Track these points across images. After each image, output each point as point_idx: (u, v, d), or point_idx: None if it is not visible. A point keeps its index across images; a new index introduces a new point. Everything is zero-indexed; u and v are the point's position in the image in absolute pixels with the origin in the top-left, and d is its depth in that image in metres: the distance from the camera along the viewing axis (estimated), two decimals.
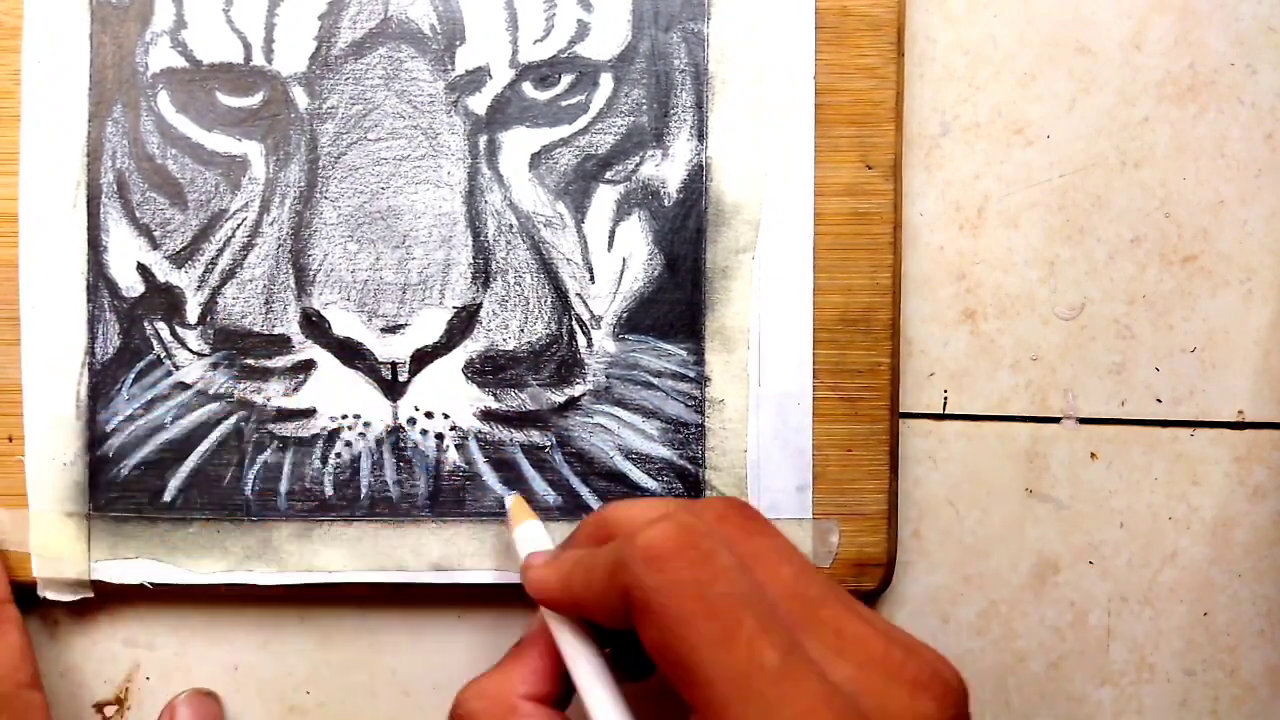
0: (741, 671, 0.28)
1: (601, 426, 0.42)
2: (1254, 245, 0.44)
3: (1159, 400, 0.45)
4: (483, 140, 0.42)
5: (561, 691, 0.35)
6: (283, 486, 0.42)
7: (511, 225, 0.42)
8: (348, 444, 0.42)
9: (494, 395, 0.42)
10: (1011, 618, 0.45)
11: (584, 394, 0.42)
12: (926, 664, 0.30)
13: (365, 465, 0.42)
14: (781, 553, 0.32)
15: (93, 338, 0.42)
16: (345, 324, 0.42)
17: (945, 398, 0.45)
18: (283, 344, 0.42)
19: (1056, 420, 0.45)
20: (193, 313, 0.42)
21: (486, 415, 0.42)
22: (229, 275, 0.42)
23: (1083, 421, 0.45)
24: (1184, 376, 0.45)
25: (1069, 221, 0.44)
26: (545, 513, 0.42)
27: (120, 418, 0.42)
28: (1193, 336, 0.44)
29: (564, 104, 0.42)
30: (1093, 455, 0.45)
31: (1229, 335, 0.44)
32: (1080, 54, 0.44)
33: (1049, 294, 0.44)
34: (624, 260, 0.42)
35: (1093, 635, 0.45)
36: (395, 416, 0.42)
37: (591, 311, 0.42)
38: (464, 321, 0.42)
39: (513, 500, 0.42)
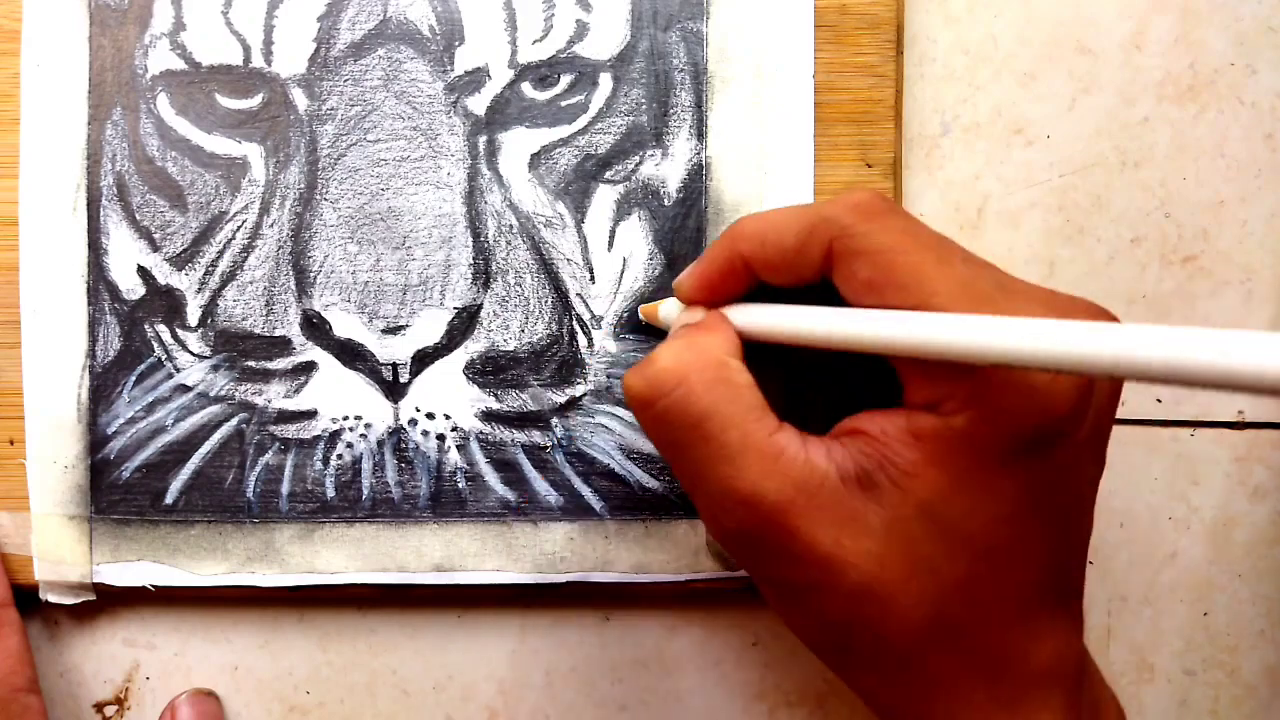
0: (965, 283, 0.31)
1: (603, 426, 0.42)
2: (1254, 245, 0.44)
3: (1159, 400, 0.45)
4: (482, 141, 0.42)
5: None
6: (284, 488, 0.42)
7: (512, 226, 0.42)
8: (349, 445, 0.42)
9: (495, 396, 0.42)
10: None
11: (585, 394, 0.42)
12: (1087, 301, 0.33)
13: (366, 466, 0.42)
14: (918, 226, 0.34)
15: (93, 340, 0.42)
16: (346, 325, 0.42)
17: None
18: (283, 346, 0.42)
19: None
20: (193, 315, 0.42)
21: (488, 416, 0.42)
22: (229, 277, 0.42)
23: None
24: None
25: (1069, 221, 0.44)
26: (546, 513, 0.42)
27: (121, 420, 0.42)
28: None
29: (563, 104, 0.42)
30: None
31: None
32: (1080, 54, 0.44)
33: None
34: (624, 260, 0.42)
35: (1093, 635, 0.45)
36: (396, 417, 0.42)
37: (592, 311, 0.42)
38: (464, 322, 0.42)
39: (643, 309, 0.42)
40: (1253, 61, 0.44)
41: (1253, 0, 0.44)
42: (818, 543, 0.31)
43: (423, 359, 0.42)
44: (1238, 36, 0.44)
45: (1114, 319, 0.32)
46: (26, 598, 0.43)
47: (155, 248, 0.42)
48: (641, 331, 0.42)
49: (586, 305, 0.42)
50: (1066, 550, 0.33)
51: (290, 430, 0.42)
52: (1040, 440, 0.30)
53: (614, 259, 0.42)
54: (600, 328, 0.42)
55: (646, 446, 0.42)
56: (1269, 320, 0.44)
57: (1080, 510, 0.34)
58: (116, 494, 0.42)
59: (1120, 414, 0.44)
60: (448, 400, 0.42)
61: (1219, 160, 0.44)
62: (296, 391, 0.42)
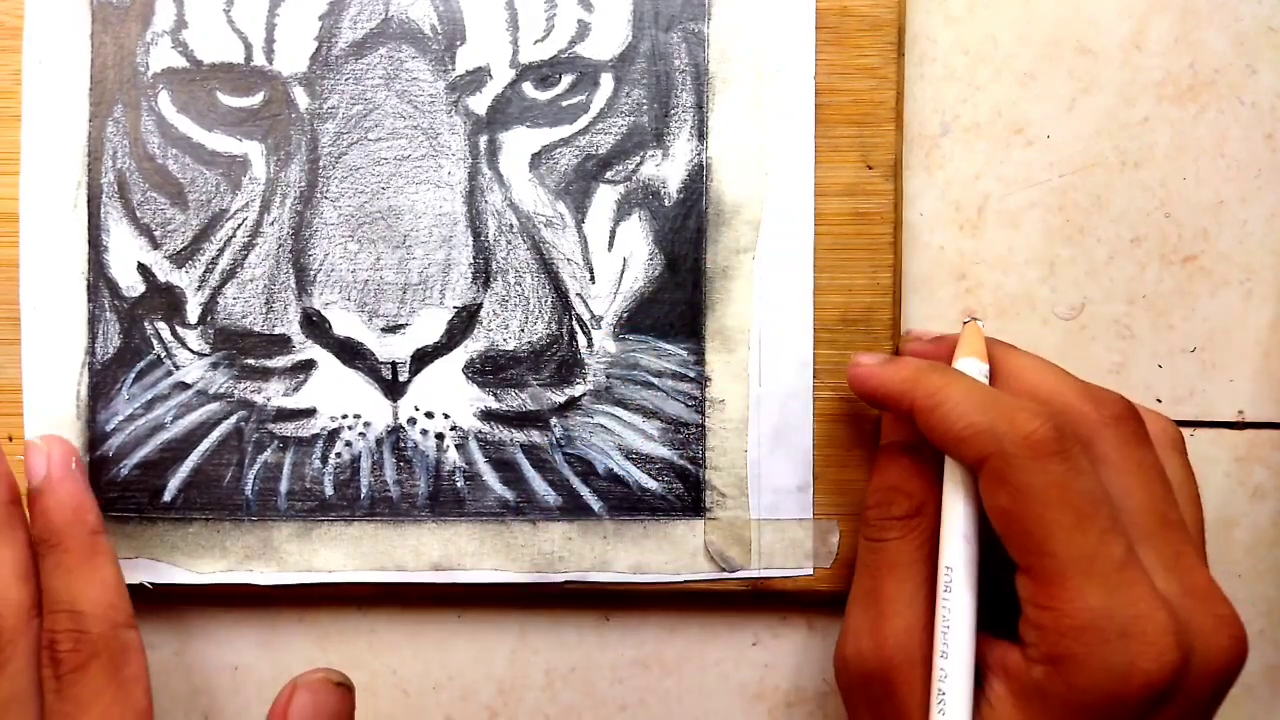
0: (1089, 555, 0.33)
1: (602, 426, 0.42)
2: (1254, 245, 0.44)
3: (1159, 400, 0.45)
4: (483, 140, 0.42)
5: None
6: (283, 486, 0.42)
7: (512, 225, 0.42)
8: (348, 444, 0.42)
9: (494, 395, 0.42)
10: None
11: (584, 394, 0.42)
12: (1232, 609, 0.35)
13: (365, 465, 0.42)
14: (1154, 471, 0.36)
15: (93, 337, 0.42)
16: (345, 324, 0.42)
17: None
18: (283, 344, 0.42)
19: None
20: (193, 313, 0.42)
21: (487, 415, 0.42)
22: (229, 275, 0.42)
23: None
24: (1184, 376, 0.45)
25: (1069, 221, 0.44)
26: (545, 512, 0.42)
27: (120, 417, 0.42)
28: (1193, 336, 0.44)
29: (564, 104, 0.42)
30: None
31: (1229, 335, 0.44)
32: (1080, 54, 0.44)
33: (1049, 294, 0.44)
34: (624, 260, 0.42)
35: None
36: (395, 416, 0.42)
37: (592, 311, 0.42)
38: (464, 321, 0.42)
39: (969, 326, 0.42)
40: (1253, 61, 0.44)
41: (1253, 0, 0.44)
42: None
43: (422, 358, 0.42)
44: (1238, 36, 0.44)
45: (1237, 630, 0.35)
46: None
47: (155, 245, 0.42)
48: (641, 332, 0.42)
49: (586, 305, 0.42)
50: None
51: (289, 428, 0.42)
52: (1116, 714, 0.33)
53: (614, 259, 0.42)
54: (600, 328, 0.42)
55: (645, 447, 0.42)
56: (1269, 320, 0.44)
57: None
58: (115, 491, 0.42)
59: None
60: (447, 399, 0.42)
61: (1219, 160, 0.44)
62: (295, 390, 0.42)
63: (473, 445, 0.42)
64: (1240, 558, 0.45)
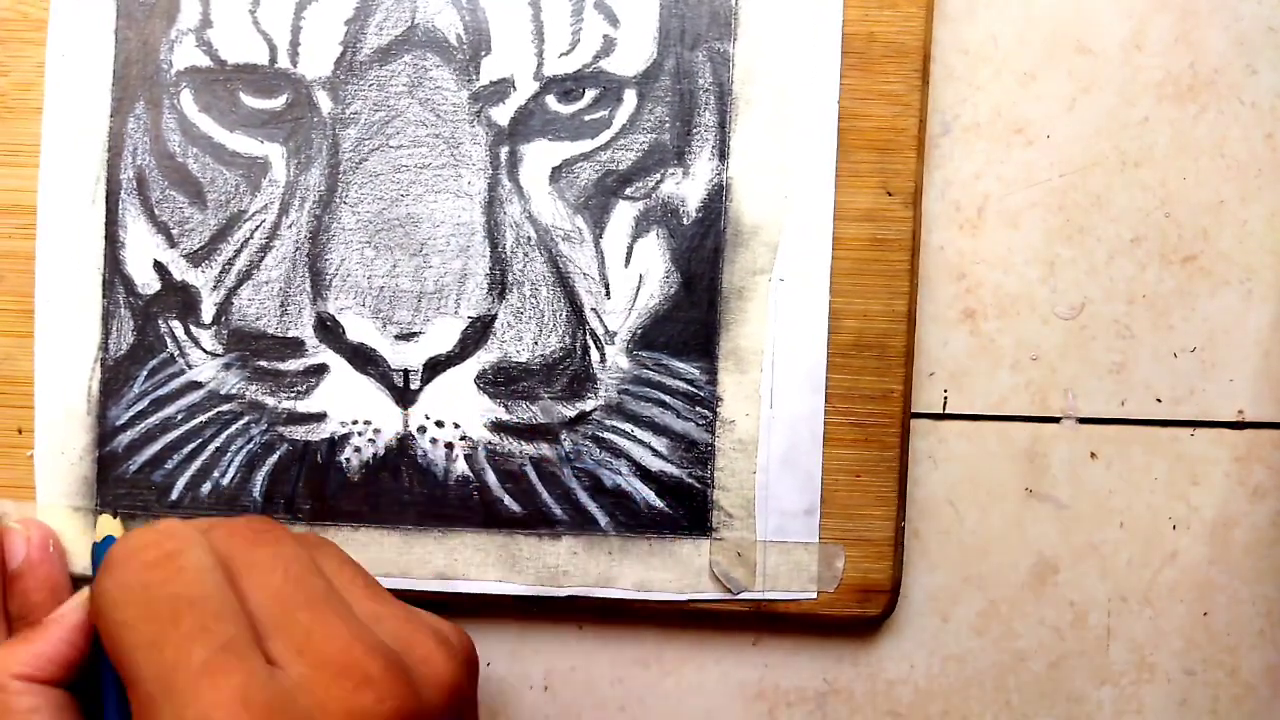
0: (168, 671, 0.29)
1: (611, 442, 0.42)
2: (1254, 245, 0.45)
3: (1159, 400, 0.45)
4: (504, 151, 0.42)
5: (72, 679, 0.34)
6: (290, 489, 0.43)
7: (530, 238, 0.42)
8: (357, 450, 0.42)
9: (505, 407, 0.42)
10: (1011, 617, 0.45)
11: (595, 409, 0.42)
12: (386, 661, 0.31)
13: (373, 471, 0.42)
14: (279, 560, 0.33)
15: (106, 333, 0.42)
16: (359, 330, 0.42)
17: (945, 397, 0.45)
18: (296, 347, 0.42)
19: (1056, 420, 0.45)
20: (207, 312, 0.42)
21: (497, 426, 0.42)
22: (245, 276, 0.42)
23: (1083, 421, 0.45)
24: (1184, 376, 0.45)
25: (1069, 221, 0.44)
26: (551, 526, 0.42)
27: (131, 414, 0.42)
28: (1193, 336, 0.45)
29: (587, 118, 0.42)
30: (1093, 455, 0.45)
31: (1229, 335, 0.45)
32: (1080, 54, 0.44)
33: (1049, 294, 0.44)
34: (640, 277, 0.42)
35: (1093, 635, 0.45)
36: (405, 424, 0.42)
37: (606, 327, 0.42)
38: (478, 332, 0.42)
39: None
40: (1253, 61, 0.44)
41: (1253, 0, 0.44)
42: None
43: (435, 367, 0.42)
44: (1238, 36, 0.44)
45: (430, 679, 0.33)
46: None
47: (172, 243, 0.42)
48: (654, 350, 0.42)
49: (600, 320, 0.42)
50: None
51: (299, 432, 0.42)
52: None
53: (630, 275, 0.42)
54: (613, 343, 0.42)
55: (653, 464, 0.42)
56: (1269, 320, 0.44)
57: None
58: (123, 488, 0.42)
59: (1120, 414, 0.45)
60: (458, 409, 0.42)
61: (1219, 160, 0.44)
62: (307, 393, 0.42)
63: (481, 456, 0.42)
64: (1240, 558, 0.45)
